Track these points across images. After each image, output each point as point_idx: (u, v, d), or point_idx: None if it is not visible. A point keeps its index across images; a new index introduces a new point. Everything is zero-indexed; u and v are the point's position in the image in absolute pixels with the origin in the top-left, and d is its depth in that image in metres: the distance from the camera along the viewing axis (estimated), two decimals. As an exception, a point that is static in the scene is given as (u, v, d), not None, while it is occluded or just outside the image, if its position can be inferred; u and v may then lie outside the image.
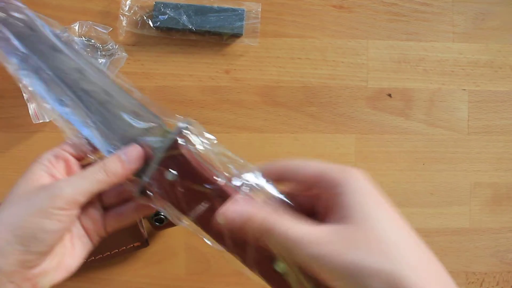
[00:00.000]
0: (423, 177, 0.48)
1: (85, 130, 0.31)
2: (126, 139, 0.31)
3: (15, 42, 0.33)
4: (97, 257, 0.43)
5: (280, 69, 0.47)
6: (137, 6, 0.45)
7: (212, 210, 0.29)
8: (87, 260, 0.43)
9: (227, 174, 0.30)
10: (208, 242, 0.30)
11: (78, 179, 0.28)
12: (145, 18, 0.45)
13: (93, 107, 0.32)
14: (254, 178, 0.29)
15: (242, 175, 0.29)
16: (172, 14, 0.44)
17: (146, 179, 0.30)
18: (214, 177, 0.29)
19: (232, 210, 0.26)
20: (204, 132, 0.31)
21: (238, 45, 0.47)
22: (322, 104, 0.47)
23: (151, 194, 0.30)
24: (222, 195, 0.29)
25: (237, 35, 0.46)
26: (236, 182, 0.29)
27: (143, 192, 0.30)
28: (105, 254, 0.43)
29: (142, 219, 0.44)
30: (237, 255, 0.29)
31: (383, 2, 0.48)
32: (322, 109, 0.47)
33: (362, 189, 0.24)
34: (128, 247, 0.44)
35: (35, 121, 0.42)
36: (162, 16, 0.44)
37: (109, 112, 0.32)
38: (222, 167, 0.30)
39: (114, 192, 0.32)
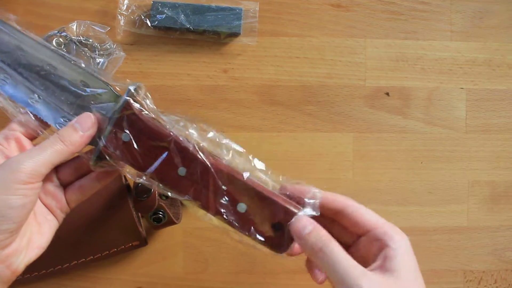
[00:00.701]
0: (421, 175, 0.48)
1: (30, 107, 0.31)
2: (77, 109, 0.31)
3: None
4: (95, 256, 0.43)
5: (278, 68, 0.47)
6: (135, 6, 0.45)
7: (169, 163, 0.30)
8: (85, 259, 0.43)
9: (179, 128, 0.31)
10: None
11: (36, 151, 0.28)
12: (143, 17, 0.45)
13: (37, 81, 0.31)
14: (315, 196, 0.31)
15: (306, 193, 0.31)
16: (170, 14, 0.44)
17: (101, 143, 0.30)
18: (168, 131, 0.30)
19: (307, 219, 0.30)
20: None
21: (236, 44, 0.47)
22: (320, 103, 0.47)
23: (109, 158, 0.30)
24: (178, 147, 0.30)
25: (235, 34, 0.46)
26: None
27: (100, 157, 0.30)
28: (104, 253, 0.43)
29: (141, 219, 0.44)
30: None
31: (381, 1, 0.48)
32: (320, 108, 0.47)
33: (409, 253, 0.29)
34: (126, 246, 0.44)
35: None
36: (160, 16, 0.44)
37: (54, 84, 0.32)
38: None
39: (71, 169, 0.32)
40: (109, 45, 0.45)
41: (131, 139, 0.30)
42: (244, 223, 0.31)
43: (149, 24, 0.45)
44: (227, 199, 0.30)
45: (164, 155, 0.30)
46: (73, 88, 0.32)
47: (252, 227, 0.31)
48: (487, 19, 0.49)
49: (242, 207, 0.30)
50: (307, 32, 0.47)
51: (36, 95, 0.32)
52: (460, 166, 0.48)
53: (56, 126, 0.31)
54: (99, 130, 0.31)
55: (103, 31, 0.44)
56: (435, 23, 0.48)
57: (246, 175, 0.31)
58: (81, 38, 0.44)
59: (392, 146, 0.48)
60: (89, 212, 0.43)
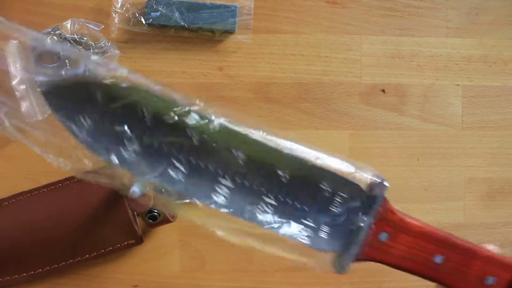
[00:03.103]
0: (418, 172, 0.48)
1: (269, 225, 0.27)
2: (315, 214, 0.27)
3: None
4: (91, 255, 0.43)
5: (274, 65, 0.47)
6: (129, 3, 0.45)
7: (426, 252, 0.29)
8: (81, 258, 0.43)
9: None
10: None
11: None
12: (137, 15, 0.45)
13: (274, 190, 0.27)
14: None
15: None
16: (164, 11, 0.44)
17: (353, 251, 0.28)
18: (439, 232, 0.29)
19: None
20: None
21: (231, 42, 0.46)
22: (316, 100, 0.47)
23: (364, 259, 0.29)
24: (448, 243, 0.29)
25: (230, 32, 0.46)
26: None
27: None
28: (100, 252, 0.43)
29: (136, 217, 0.44)
30: None
31: (376, -2, 0.48)
32: (315, 105, 0.47)
33: None
34: (122, 244, 0.44)
35: (28, 120, 0.42)
36: (155, 13, 0.44)
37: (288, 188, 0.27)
38: None
39: None
40: (103, 43, 0.45)
41: (389, 239, 0.29)
42: None
43: (144, 22, 0.45)
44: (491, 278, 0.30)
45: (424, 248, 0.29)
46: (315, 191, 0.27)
47: None
48: (482, 16, 0.48)
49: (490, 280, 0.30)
50: (302, 29, 0.47)
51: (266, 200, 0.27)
52: (456, 163, 0.48)
53: (298, 239, 0.27)
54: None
55: (97, 29, 0.44)
56: (431, 19, 0.48)
57: (490, 247, 0.31)
58: (76, 36, 0.44)
59: (388, 143, 0.48)
60: (85, 211, 0.43)
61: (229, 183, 0.26)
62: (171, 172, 0.26)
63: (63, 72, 0.25)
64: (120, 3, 0.45)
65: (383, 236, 0.28)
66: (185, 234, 0.46)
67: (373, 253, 0.28)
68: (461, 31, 0.48)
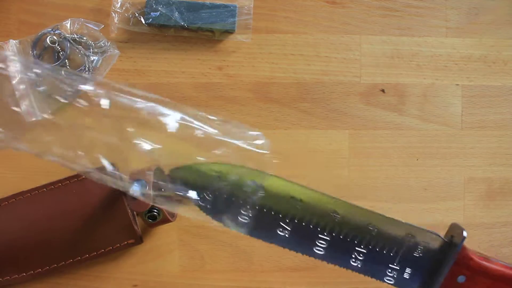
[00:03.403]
0: (417, 172, 0.48)
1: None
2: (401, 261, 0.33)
3: None
4: (91, 255, 0.43)
5: (273, 65, 0.47)
6: (129, 3, 0.45)
7: None
8: (81, 257, 0.43)
9: None
10: None
11: None
12: (137, 15, 0.45)
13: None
14: None
15: None
16: (164, 11, 0.44)
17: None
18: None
19: None
20: None
21: (230, 42, 0.46)
22: (315, 100, 0.47)
23: None
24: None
25: (229, 32, 0.46)
26: None
27: None
28: (100, 251, 0.43)
29: (136, 216, 0.44)
30: None
31: (376, -3, 0.48)
32: (315, 105, 0.47)
33: None
34: (122, 244, 0.44)
35: (27, 119, 0.42)
36: (154, 13, 0.44)
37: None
38: None
39: None
40: (103, 43, 0.45)
41: (466, 281, 0.32)
42: None
43: (143, 22, 0.45)
44: None
45: None
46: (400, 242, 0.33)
47: None
48: (482, 15, 0.49)
49: None
50: (302, 29, 0.47)
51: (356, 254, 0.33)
52: (456, 163, 0.48)
53: (385, 280, 0.33)
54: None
55: (97, 28, 0.44)
56: (431, 19, 0.48)
57: None
58: (75, 36, 0.44)
59: (388, 143, 0.48)
60: (84, 211, 0.43)
61: (326, 237, 0.33)
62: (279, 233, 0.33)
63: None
64: (119, 3, 0.45)
65: (461, 279, 0.32)
66: (184, 234, 0.46)
67: None
68: (461, 31, 0.48)
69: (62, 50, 0.44)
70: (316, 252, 0.33)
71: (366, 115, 0.47)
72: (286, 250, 0.46)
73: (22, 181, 0.44)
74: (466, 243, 0.33)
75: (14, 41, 0.44)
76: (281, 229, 0.32)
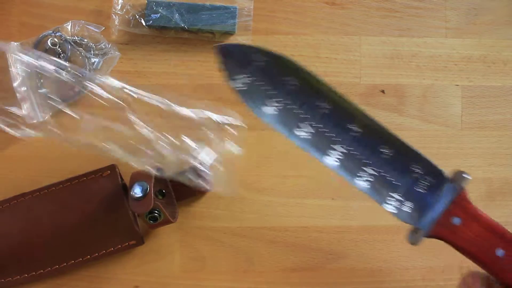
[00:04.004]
0: (417, 173, 0.48)
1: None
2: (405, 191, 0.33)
3: None
4: (92, 256, 0.43)
5: (273, 66, 0.47)
6: (130, 5, 0.45)
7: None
8: (82, 258, 0.43)
9: None
10: None
11: None
12: (137, 16, 0.45)
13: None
14: None
15: None
16: (164, 13, 0.44)
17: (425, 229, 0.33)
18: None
19: None
20: None
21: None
22: (315, 101, 0.47)
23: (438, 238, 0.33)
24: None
25: (229, 33, 0.46)
26: None
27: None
28: (101, 252, 0.44)
29: (137, 217, 0.44)
30: None
31: (375, -2, 0.48)
32: (315, 106, 0.47)
33: None
34: (123, 245, 0.44)
35: (28, 121, 0.42)
36: (155, 15, 0.44)
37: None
38: None
39: None
40: (104, 45, 0.45)
41: (461, 223, 0.33)
42: None
43: (144, 24, 0.45)
44: None
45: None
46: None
47: None
48: (481, 16, 0.49)
49: None
50: (302, 30, 0.47)
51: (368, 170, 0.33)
52: (455, 163, 0.48)
53: (385, 206, 0.33)
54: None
55: (97, 30, 0.45)
56: (430, 20, 0.48)
57: None
58: (76, 38, 0.44)
59: (388, 143, 0.48)
60: (85, 211, 0.43)
61: (342, 149, 0.33)
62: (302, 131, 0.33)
63: None
64: (120, 5, 0.45)
65: (456, 220, 0.33)
66: (185, 235, 0.46)
67: (444, 232, 0.33)
68: (460, 32, 0.48)
69: (63, 52, 0.44)
70: (331, 162, 0.33)
71: (366, 115, 0.47)
72: (287, 250, 0.46)
73: (23, 183, 0.44)
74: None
75: (15, 43, 0.44)
76: (301, 130, 0.33)
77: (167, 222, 0.42)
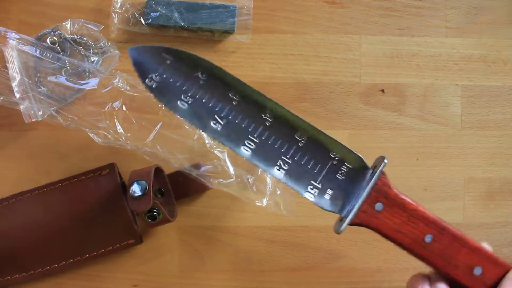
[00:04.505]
0: (417, 172, 0.48)
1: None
2: (324, 178, 0.33)
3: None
4: (91, 254, 0.44)
5: (273, 65, 0.47)
6: (129, 4, 0.45)
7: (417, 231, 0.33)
8: (81, 257, 0.43)
9: None
10: None
11: None
12: (136, 15, 0.45)
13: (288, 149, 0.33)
14: None
15: None
16: (163, 11, 0.44)
17: (355, 208, 0.32)
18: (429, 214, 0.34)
19: None
20: None
21: (230, 42, 0.46)
22: (315, 100, 0.47)
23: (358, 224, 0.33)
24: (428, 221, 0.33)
25: (229, 32, 0.46)
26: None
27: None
28: (99, 251, 0.44)
29: (136, 216, 0.44)
30: None
31: (375, -3, 0.48)
32: (315, 105, 0.47)
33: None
34: (122, 244, 0.44)
35: (27, 121, 0.42)
36: (154, 13, 0.44)
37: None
38: None
39: None
40: (103, 44, 0.45)
41: (384, 209, 0.33)
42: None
43: (143, 22, 0.45)
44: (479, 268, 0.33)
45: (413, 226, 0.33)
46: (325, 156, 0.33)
47: None
48: (482, 15, 0.48)
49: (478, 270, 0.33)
50: (302, 29, 0.47)
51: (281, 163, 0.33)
52: (455, 163, 0.48)
53: (305, 195, 0.33)
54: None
55: (97, 29, 0.44)
56: (430, 19, 0.48)
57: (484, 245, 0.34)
58: (75, 36, 0.44)
59: (388, 143, 0.48)
60: (84, 210, 0.43)
61: (255, 140, 0.33)
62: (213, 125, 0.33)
63: None
64: (119, 4, 0.45)
65: (379, 206, 0.32)
66: (184, 234, 0.46)
67: (367, 219, 0.32)
68: (461, 31, 0.48)
69: (63, 50, 0.44)
70: (244, 152, 0.33)
71: (366, 115, 0.47)
72: (286, 250, 0.46)
73: (22, 181, 0.44)
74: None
75: (13, 42, 0.44)
76: (214, 122, 0.33)
77: (166, 221, 0.42)
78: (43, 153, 0.45)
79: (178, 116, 0.33)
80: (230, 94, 0.33)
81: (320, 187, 0.33)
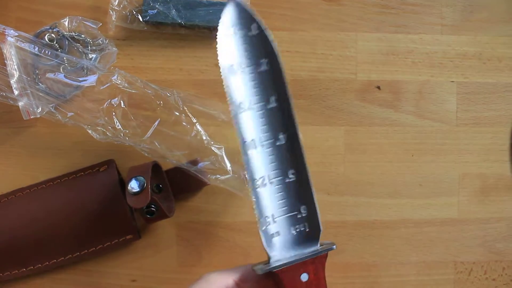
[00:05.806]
0: (412, 168, 0.48)
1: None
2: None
3: None
4: (89, 250, 0.44)
5: (270, 62, 0.47)
6: (127, 1, 0.45)
7: None
8: (80, 253, 0.44)
9: None
10: None
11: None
12: (134, 12, 0.45)
13: None
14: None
15: None
16: (161, 9, 0.44)
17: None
18: None
19: None
20: None
21: (227, 39, 0.47)
22: (311, 97, 0.47)
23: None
24: None
25: (226, 29, 0.46)
26: None
27: None
28: (98, 247, 0.44)
29: (134, 212, 0.44)
30: None
31: (371, -5, 0.48)
32: (311, 102, 0.47)
33: None
34: (120, 240, 0.44)
35: (26, 117, 0.42)
36: (152, 11, 0.44)
37: None
38: None
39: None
40: (101, 41, 0.45)
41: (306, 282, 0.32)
42: None
43: (141, 19, 0.45)
44: None
45: None
46: None
47: None
48: (477, 13, 0.49)
49: None
50: (298, 26, 0.47)
51: None
52: (450, 159, 0.49)
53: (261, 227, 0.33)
54: None
55: (95, 26, 0.45)
56: (426, 16, 0.48)
57: None
58: (73, 33, 0.44)
59: (383, 139, 0.48)
60: (83, 206, 0.43)
61: None
62: None
63: None
64: (117, 1, 0.45)
65: (304, 277, 0.32)
66: (182, 230, 0.46)
67: (286, 281, 0.32)
68: (456, 28, 0.49)
69: (61, 48, 0.44)
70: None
71: (362, 111, 0.48)
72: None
73: (21, 178, 0.45)
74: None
75: (12, 39, 0.44)
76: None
77: (164, 216, 0.43)
78: (41, 149, 0.45)
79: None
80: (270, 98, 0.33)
81: (274, 222, 0.33)
